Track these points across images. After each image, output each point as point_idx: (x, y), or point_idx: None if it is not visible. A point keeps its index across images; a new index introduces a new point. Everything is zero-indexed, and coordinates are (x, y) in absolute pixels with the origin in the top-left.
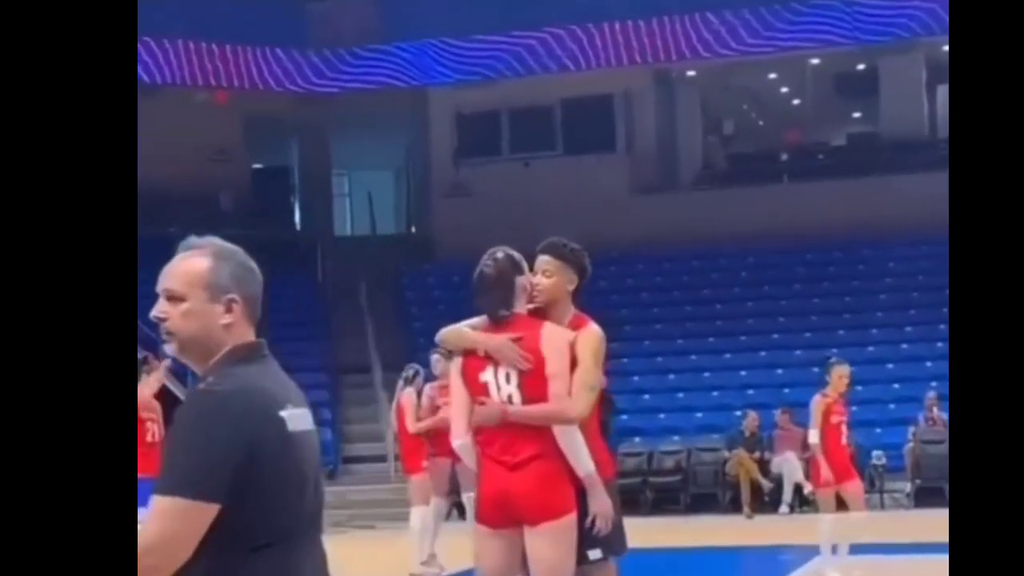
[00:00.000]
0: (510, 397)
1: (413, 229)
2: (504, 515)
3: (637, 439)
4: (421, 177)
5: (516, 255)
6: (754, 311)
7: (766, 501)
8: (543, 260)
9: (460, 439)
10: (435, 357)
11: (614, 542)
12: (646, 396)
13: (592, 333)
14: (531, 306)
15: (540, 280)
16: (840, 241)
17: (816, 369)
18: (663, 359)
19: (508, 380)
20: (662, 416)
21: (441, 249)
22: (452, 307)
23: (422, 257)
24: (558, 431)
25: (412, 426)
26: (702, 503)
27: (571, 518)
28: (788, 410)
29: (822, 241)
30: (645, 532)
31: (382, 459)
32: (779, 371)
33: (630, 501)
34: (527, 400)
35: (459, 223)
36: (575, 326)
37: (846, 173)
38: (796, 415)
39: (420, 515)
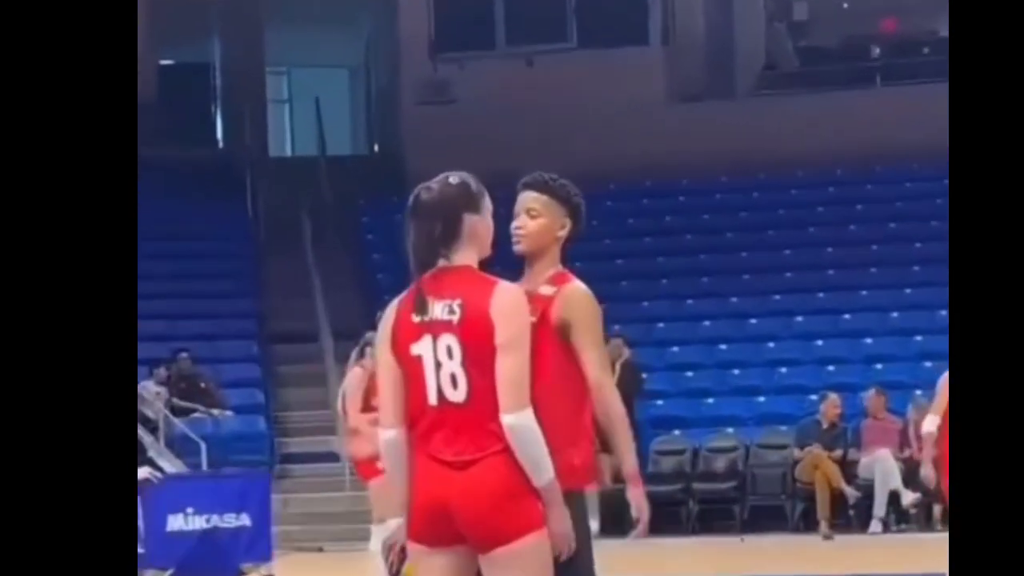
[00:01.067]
0: (453, 377)
1: (376, 148)
2: (444, 530)
3: (677, 432)
4: (387, 78)
5: (477, 186)
6: (835, 259)
7: (851, 516)
8: (527, 197)
9: (389, 430)
10: None
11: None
12: (689, 373)
13: (581, 288)
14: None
15: (524, 221)
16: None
17: (919, 337)
18: (712, 324)
19: (450, 355)
20: (711, 401)
21: (414, 176)
22: None
23: (388, 186)
24: (508, 421)
25: (352, 417)
26: (764, 518)
27: (538, 537)
28: (882, 392)
29: (927, 164)
30: (688, 557)
31: (333, 458)
32: (869, 340)
33: (667, 516)
34: (474, 381)
35: (438, 141)
36: (556, 283)
37: None
38: (892, 399)
39: (384, 534)
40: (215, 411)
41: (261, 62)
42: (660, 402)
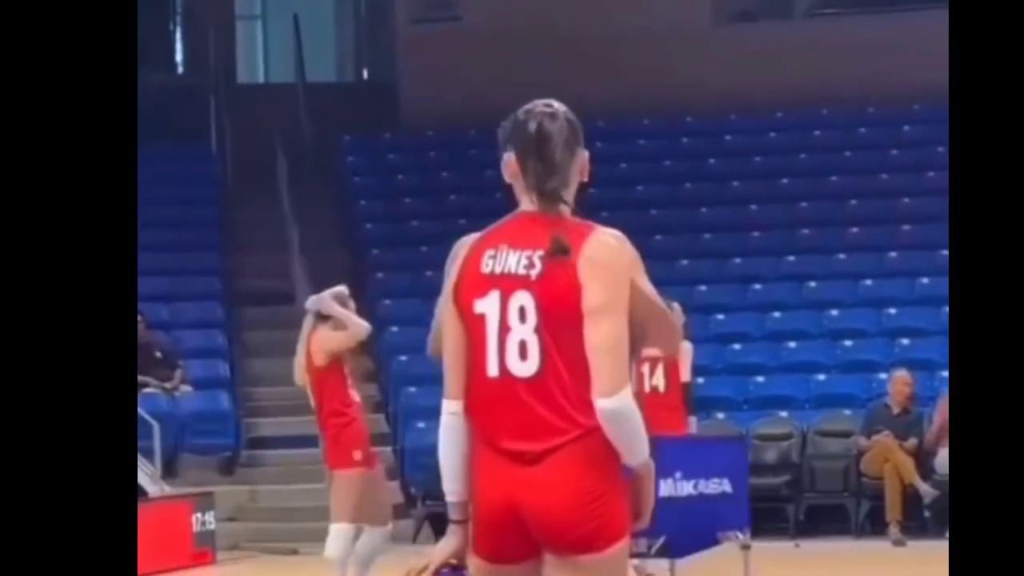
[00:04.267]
0: (523, 345)
1: (365, 75)
2: (515, 540)
3: (720, 415)
4: None
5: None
6: (912, 211)
7: (926, 518)
8: None
9: (453, 402)
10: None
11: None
12: (735, 346)
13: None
14: None
15: None
16: None
17: None
18: (764, 288)
19: (523, 317)
20: (760, 379)
21: (410, 108)
22: (429, 198)
23: (378, 120)
24: (606, 407)
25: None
26: (823, 520)
27: (622, 548)
28: None
29: None
30: (732, 565)
31: (311, 443)
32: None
33: None
34: (548, 352)
35: (440, 67)
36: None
37: None
38: None
39: (345, 537)
40: (169, 385)
41: None
42: (700, 380)
